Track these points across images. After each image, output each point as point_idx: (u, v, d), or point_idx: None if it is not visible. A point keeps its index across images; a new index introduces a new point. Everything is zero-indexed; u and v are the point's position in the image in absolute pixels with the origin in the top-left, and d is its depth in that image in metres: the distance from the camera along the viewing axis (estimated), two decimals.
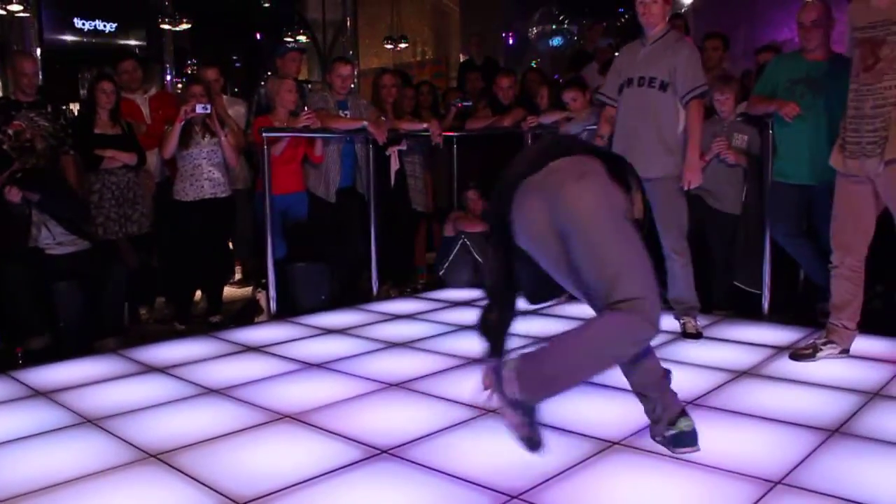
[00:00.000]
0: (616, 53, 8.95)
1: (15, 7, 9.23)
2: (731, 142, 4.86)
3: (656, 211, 4.00)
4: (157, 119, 5.55)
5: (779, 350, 3.97)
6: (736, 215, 4.92)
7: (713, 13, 9.85)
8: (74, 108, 7.90)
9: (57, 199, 4.60)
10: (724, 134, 4.86)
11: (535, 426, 2.44)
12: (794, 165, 4.37)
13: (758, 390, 3.38)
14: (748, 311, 4.82)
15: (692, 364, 3.77)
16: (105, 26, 10.83)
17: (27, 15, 9.57)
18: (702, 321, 4.59)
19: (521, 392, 2.34)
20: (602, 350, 2.30)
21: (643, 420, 2.72)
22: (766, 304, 4.78)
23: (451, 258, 5.85)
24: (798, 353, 3.81)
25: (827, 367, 3.65)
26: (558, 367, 2.33)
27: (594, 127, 5.29)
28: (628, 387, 2.68)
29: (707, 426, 2.94)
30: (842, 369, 3.62)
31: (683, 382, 3.44)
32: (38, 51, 9.60)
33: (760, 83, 4.58)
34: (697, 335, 4.26)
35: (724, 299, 4.99)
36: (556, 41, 12.28)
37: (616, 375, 2.66)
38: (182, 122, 5.00)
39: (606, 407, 3.17)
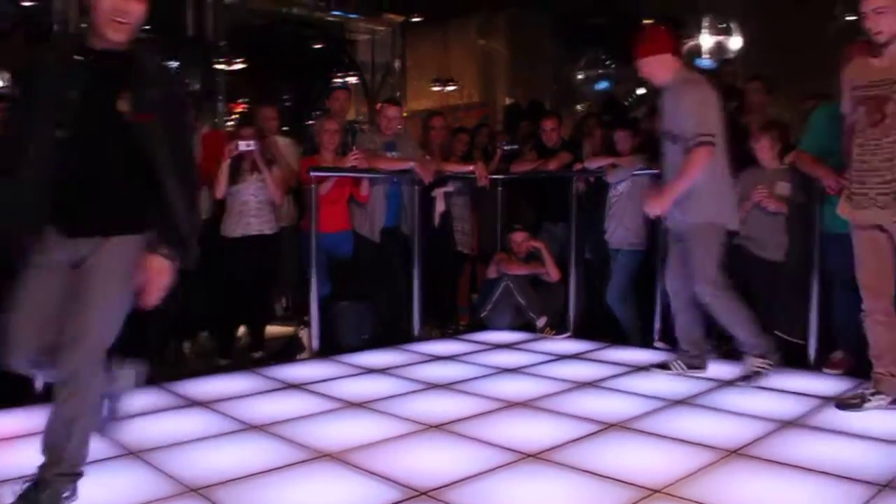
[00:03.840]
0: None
1: None
2: (774, 190, 4.81)
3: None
4: (207, 157, 5.66)
5: (825, 400, 3.89)
6: (779, 263, 4.85)
7: (763, 59, 9.82)
8: None
9: None
10: (766, 182, 4.81)
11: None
12: None
13: (804, 441, 3.31)
14: (792, 360, 4.73)
15: (736, 413, 3.71)
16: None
17: None
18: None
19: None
20: None
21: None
22: (812, 354, 4.68)
23: (493, 300, 5.84)
24: (844, 403, 3.74)
25: (876, 418, 3.56)
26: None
27: (640, 172, 5.31)
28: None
29: (751, 477, 2.90)
30: (892, 421, 3.53)
31: (726, 431, 3.41)
32: None
33: (807, 137, 4.53)
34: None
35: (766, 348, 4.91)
36: (603, 85, 12.33)
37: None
38: (228, 161, 5.11)
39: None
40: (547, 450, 3.19)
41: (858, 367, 4.33)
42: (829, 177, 4.15)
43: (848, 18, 9.43)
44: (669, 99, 4.13)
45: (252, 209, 5.22)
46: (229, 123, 11.57)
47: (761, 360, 4.26)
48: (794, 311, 4.78)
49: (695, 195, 4.12)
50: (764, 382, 4.23)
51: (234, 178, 5.18)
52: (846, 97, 3.77)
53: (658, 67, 4.11)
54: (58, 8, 10.39)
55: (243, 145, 5.09)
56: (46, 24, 10.46)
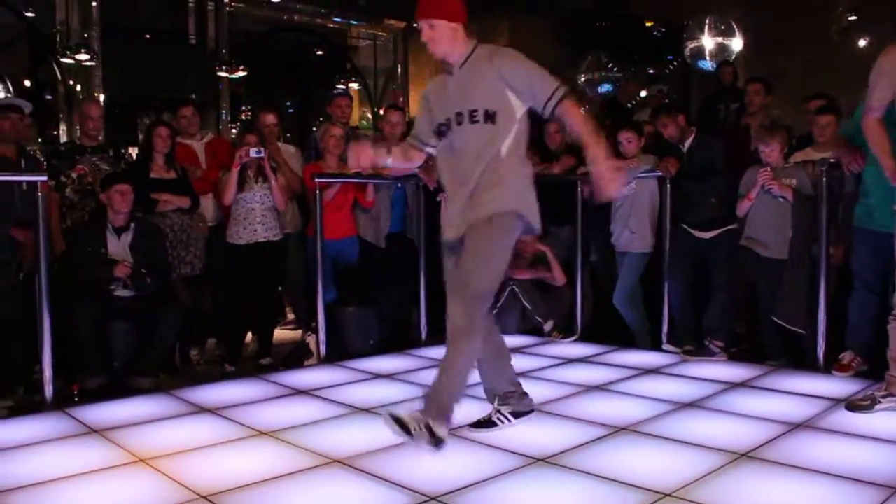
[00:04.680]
0: (667, 100, 8.92)
1: (82, 56, 9.62)
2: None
3: None
4: (212, 164, 5.68)
5: (836, 402, 3.87)
6: (783, 260, 4.83)
7: (763, 59, 9.83)
8: (133, 151, 8.14)
9: (159, 273, 4.80)
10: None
11: None
12: (883, 210, 3.93)
13: (814, 443, 3.30)
14: (801, 361, 4.72)
15: (745, 415, 3.69)
16: (164, 72, 11.18)
17: (93, 64, 9.94)
18: (754, 371, 4.53)
19: None
20: None
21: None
22: (821, 355, 4.65)
23: (499, 305, 5.83)
24: (855, 405, 3.72)
25: (887, 420, 3.54)
26: None
27: (645, 175, 5.32)
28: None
29: (761, 480, 2.89)
30: None
31: (736, 434, 3.39)
32: (102, 97, 9.92)
33: (846, 126, 4.43)
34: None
35: (775, 349, 4.90)
36: (605, 88, 12.33)
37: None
38: (238, 168, 5.12)
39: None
40: (556, 454, 3.18)
41: (868, 369, 4.32)
42: (848, 155, 4.01)
43: (850, 18, 9.45)
44: (474, 72, 3.24)
45: (258, 216, 5.23)
46: (233, 131, 11.62)
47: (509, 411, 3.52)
48: (794, 299, 4.74)
49: (502, 183, 3.20)
50: (776, 384, 4.23)
51: (240, 185, 5.19)
52: (886, 92, 3.57)
53: (447, 35, 3.25)
54: (60, 18, 10.44)
55: (254, 152, 5.10)
56: (49, 34, 10.51)
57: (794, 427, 3.50)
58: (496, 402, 3.55)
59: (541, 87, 3.15)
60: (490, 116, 3.17)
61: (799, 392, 4.09)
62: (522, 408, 3.55)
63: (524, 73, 3.18)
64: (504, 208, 3.18)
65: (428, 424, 2.97)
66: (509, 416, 3.51)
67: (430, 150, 3.52)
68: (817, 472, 2.95)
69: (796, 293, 4.72)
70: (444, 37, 3.25)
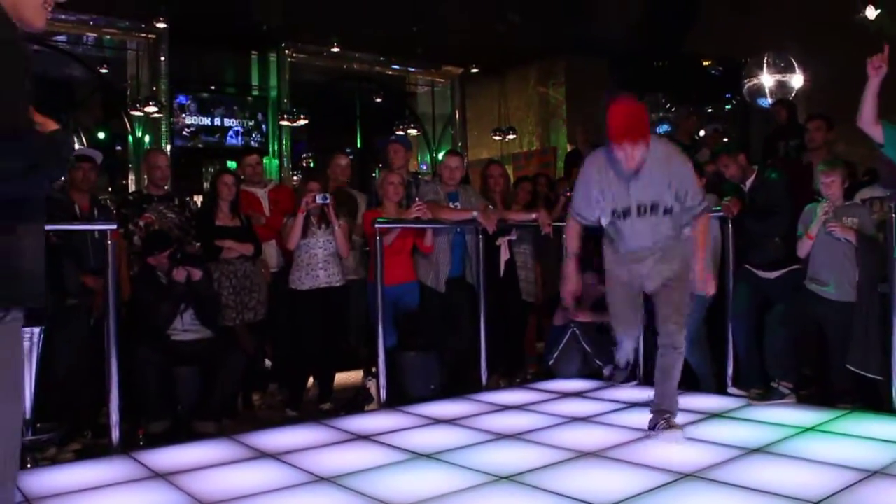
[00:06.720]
0: (725, 139, 8.84)
1: (151, 108, 9.99)
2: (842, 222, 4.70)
3: None
4: (275, 211, 5.78)
5: None
6: (850, 303, 4.69)
7: (824, 97, 9.67)
8: (198, 199, 8.35)
9: (210, 283, 4.87)
10: (834, 216, 4.69)
11: None
12: None
13: (891, 492, 3.17)
14: (875, 404, 4.56)
15: (817, 461, 3.58)
16: (229, 122, 11.51)
17: (160, 115, 10.28)
18: (825, 415, 4.39)
19: None
20: None
21: None
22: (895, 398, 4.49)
23: (560, 348, 5.78)
24: None
25: None
26: None
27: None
28: None
29: None
30: None
31: (808, 481, 3.29)
32: (168, 147, 10.24)
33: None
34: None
35: (846, 392, 4.74)
36: (663, 128, 12.29)
37: None
38: (304, 213, 5.20)
39: None
40: (621, 501, 3.12)
41: None
42: None
43: None
44: (654, 172, 3.90)
45: (320, 262, 5.29)
46: (294, 178, 11.85)
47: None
48: (867, 344, 4.58)
49: (677, 251, 4.18)
50: (849, 429, 4.09)
51: (304, 231, 5.26)
52: None
53: (642, 152, 3.83)
54: (131, 73, 10.85)
55: (320, 198, 5.18)
56: (121, 89, 10.92)
57: (871, 475, 3.37)
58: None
59: (693, 198, 4.00)
60: (668, 210, 3.99)
61: (874, 437, 3.94)
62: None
63: (688, 181, 3.99)
64: (683, 269, 4.16)
65: (668, 418, 4.05)
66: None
67: (588, 222, 4.27)
68: None
69: (869, 338, 4.57)
70: (640, 154, 3.82)
